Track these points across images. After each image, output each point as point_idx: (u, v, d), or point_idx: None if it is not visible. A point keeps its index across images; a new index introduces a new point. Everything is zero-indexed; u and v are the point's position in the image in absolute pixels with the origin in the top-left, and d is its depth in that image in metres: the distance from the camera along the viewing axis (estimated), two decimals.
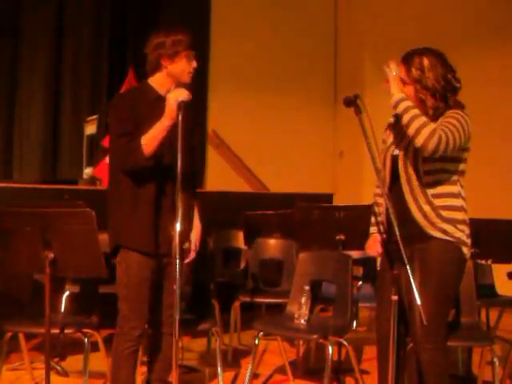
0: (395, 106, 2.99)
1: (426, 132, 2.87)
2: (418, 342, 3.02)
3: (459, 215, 3.02)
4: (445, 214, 2.99)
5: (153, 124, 3.04)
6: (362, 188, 8.03)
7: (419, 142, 2.88)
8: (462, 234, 3.01)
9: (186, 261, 3.37)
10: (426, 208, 2.99)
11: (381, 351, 3.19)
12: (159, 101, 3.10)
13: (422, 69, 2.99)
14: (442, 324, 3.02)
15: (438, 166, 2.98)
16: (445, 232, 2.98)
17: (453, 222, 2.99)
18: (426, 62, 3.00)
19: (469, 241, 3.05)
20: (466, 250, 3.03)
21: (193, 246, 3.40)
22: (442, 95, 2.98)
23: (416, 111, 2.93)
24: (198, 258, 3.45)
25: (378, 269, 3.38)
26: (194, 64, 3.20)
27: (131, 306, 3.18)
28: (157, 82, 3.22)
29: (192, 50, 3.19)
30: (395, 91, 3.00)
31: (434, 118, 2.98)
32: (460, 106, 3.03)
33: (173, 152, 2.88)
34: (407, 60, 3.05)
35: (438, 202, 2.99)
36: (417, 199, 3.00)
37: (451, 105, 3.00)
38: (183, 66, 3.17)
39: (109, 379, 3.32)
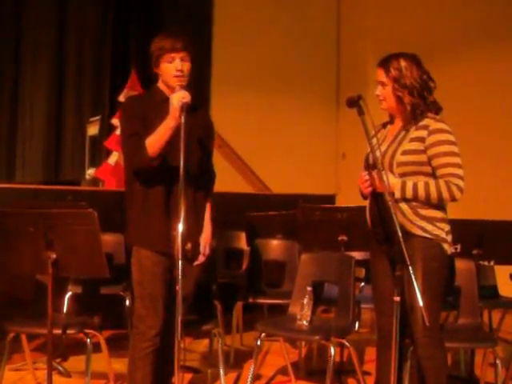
0: (403, 196, 3.07)
1: (444, 191, 3.04)
2: (415, 338, 3.08)
3: (437, 214, 3.12)
4: (423, 212, 3.09)
5: (160, 125, 3.07)
6: None
7: (447, 200, 3.09)
8: (441, 231, 3.11)
9: (196, 263, 3.30)
10: (404, 206, 3.08)
11: (381, 346, 3.25)
12: (166, 103, 3.10)
13: (399, 69, 3.12)
14: (433, 319, 3.03)
15: (413, 169, 3.09)
16: (423, 229, 3.08)
17: (431, 220, 3.09)
18: (402, 63, 3.13)
19: (449, 237, 3.14)
20: (446, 247, 3.13)
21: (202, 249, 3.32)
22: (419, 93, 3.11)
23: (420, 185, 3.05)
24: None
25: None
26: (177, 66, 3.15)
27: (146, 304, 3.19)
28: (162, 86, 3.28)
29: (174, 53, 3.14)
30: (391, 187, 3.05)
31: (414, 115, 3.11)
32: (437, 107, 3.16)
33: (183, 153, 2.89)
34: (385, 62, 3.18)
35: (415, 201, 3.08)
36: (394, 199, 3.07)
37: (429, 105, 3.13)
38: (165, 71, 3.19)
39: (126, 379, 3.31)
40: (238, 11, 8.17)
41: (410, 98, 3.10)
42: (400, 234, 2.69)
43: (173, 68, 3.16)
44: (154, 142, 3.05)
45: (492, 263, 4.50)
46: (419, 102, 3.11)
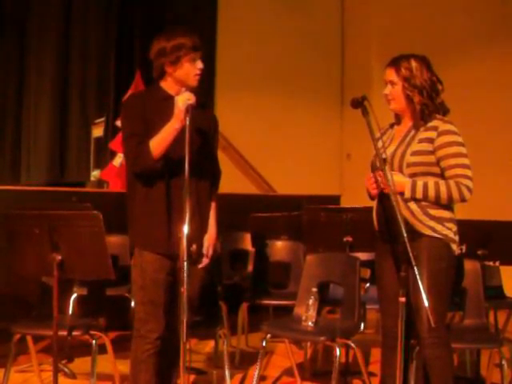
0: (413, 196, 3.08)
1: (454, 192, 3.06)
2: (421, 338, 3.08)
3: (446, 214, 3.13)
4: (432, 212, 3.10)
5: (161, 124, 3.03)
6: None
7: (457, 201, 3.10)
8: (450, 231, 3.13)
9: (200, 266, 3.25)
10: (413, 206, 3.10)
11: (386, 347, 3.26)
12: (168, 101, 3.09)
13: (410, 69, 3.15)
14: (440, 319, 3.05)
15: (423, 170, 3.10)
16: (433, 229, 3.09)
17: (440, 220, 3.11)
18: (413, 63, 3.16)
19: (456, 238, 3.16)
20: (454, 247, 3.15)
21: (205, 250, 3.27)
22: (428, 94, 3.14)
23: (430, 184, 3.07)
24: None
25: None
26: (200, 65, 3.16)
27: (147, 308, 3.15)
28: (166, 84, 3.21)
29: (196, 52, 3.13)
30: (401, 188, 3.07)
31: (422, 115, 3.13)
32: (444, 109, 3.19)
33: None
34: (396, 62, 3.20)
35: (424, 201, 3.09)
36: (404, 199, 3.09)
37: (437, 106, 3.16)
38: (187, 71, 3.14)
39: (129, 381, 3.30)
40: (242, 12, 8.18)
41: (419, 97, 3.12)
42: (405, 235, 2.69)
43: (195, 67, 3.14)
44: (159, 144, 3.02)
45: (497, 264, 4.50)
46: (428, 102, 3.12)
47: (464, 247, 4.01)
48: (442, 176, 3.11)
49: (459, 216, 3.28)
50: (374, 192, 3.18)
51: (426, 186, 3.06)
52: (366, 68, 8.55)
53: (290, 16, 8.54)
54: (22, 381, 4.23)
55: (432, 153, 3.08)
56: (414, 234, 3.01)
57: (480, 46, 7.40)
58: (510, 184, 7.00)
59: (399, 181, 3.06)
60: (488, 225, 4.23)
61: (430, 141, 3.08)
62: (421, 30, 7.80)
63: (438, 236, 3.09)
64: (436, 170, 3.10)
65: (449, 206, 3.14)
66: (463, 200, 3.08)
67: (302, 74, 8.60)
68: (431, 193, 3.06)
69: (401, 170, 3.11)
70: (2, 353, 3.83)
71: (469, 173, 3.08)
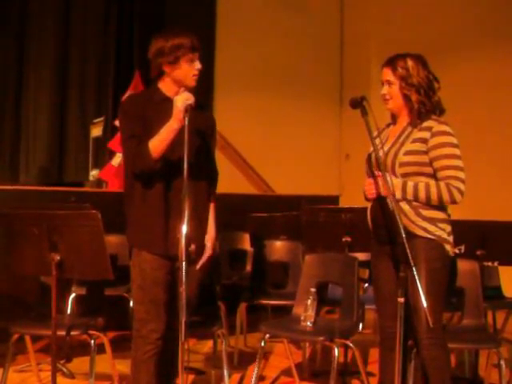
0: (404, 196, 3.08)
1: (445, 194, 3.05)
2: (419, 339, 3.08)
3: (439, 214, 3.12)
4: (425, 213, 3.09)
5: (160, 125, 3.03)
6: None
7: (447, 203, 3.09)
8: (443, 232, 3.11)
9: (198, 266, 3.24)
10: (405, 207, 3.09)
11: (384, 347, 3.27)
12: (165, 102, 3.09)
13: (406, 68, 3.15)
14: (437, 320, 3.04)
15: (415, 170, 3.09)
16: (425, 230, 3.08)
17: (433, 220, 3.09)
18: (409, 62, 3.16)
19: (450, 238, 3.15)
20: (448, 247, 3.13)
21: (207, 250, 3.28)
22: (425, 92, 3.14)
23: (421, 186, 3.06)
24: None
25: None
26: (198, 66, 3.15)
27: (148, 308, 3.14)
28: (164, 85, 3.21)
29: (194, 52, 3.13)
30: (393, 189, 3.06)
31: (419, 114, 3.13)
32: (440, 108, 3.20)
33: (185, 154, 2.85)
34: (392, 62, 3.20)
35: (416, 201, 3.09)
36: (395, 199, 3.07)
37: (434, 104, 3.16)
38: (185, 71, 3.13)
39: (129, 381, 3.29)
40: (242, 12, 8.18)
41: (417, 96, 3.12)
42: (404, 235, 2.69)
43: (193, 68, 3.13)
44: (158, 145, 3.01)
45: (496, 264, 4.49)
46: (425, 100, 3.12)
47: (463, 247, 4.01)
48: (434, 176, 3.10)
49: (457, 216, 3.28)
50: (372, 197, 3.18)
51: (416, 187, 3.06)
52: (364, 68, 8.55)
53: (289, 16, 8.54)
54: (20, 380, 4.22)
55: (425, 153, 3.07)
56: (407, 234, 2.99)
57: (478, 46, 7.41)
58: (507, 184, 7.00)
59: (391, 192, 3.03)
60: (486, 225, 4.22)
61: (424, 141, 3.08)
62: (419, 31, 7.81)
63: (431, 237, 3.08)
64: (429, 170, 3.09)
65: (442, 207, 3.13)
66: (454, 202, 3.06)
67: (300, 74, 8.60)
68: (421, 194, 3.05)
69: (393, 170, 3.10)
70: (1, 352, 3.83)
71: (461, 175, 3.06)
